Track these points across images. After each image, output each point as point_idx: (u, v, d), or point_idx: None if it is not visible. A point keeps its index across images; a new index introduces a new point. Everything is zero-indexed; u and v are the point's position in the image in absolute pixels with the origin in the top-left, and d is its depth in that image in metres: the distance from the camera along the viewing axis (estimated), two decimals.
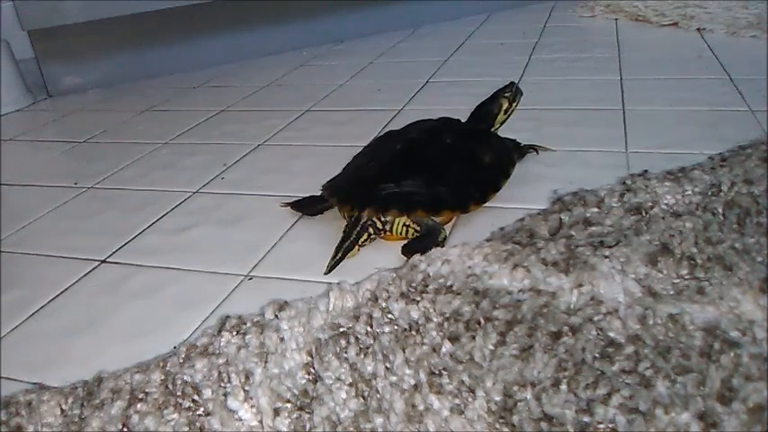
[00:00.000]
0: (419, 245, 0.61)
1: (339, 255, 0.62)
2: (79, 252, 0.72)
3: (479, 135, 0.75)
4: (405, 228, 0.63)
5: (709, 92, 0.98)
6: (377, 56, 1.45)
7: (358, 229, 0.63)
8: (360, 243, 0.64)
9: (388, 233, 0.64)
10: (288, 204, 0.74)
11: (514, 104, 0.78)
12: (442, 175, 0.66)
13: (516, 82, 0.78)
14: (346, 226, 0.64)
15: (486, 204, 0.69)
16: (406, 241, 0.63)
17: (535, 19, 1.61)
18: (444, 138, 0.71)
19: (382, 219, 0.63)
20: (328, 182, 0.72)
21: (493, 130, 0.78)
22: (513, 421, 0.38)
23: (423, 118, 0.80)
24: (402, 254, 0.62)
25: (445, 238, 0.63)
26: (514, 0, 1.75)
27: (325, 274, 0.61)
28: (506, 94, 0.77)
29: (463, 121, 0.78)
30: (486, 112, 0.77)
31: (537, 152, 0.81)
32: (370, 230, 0.64)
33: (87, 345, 0.56)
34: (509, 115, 0.78)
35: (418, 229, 0.63)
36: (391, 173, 0.66)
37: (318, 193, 0.72)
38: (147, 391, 0.45)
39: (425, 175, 0.66)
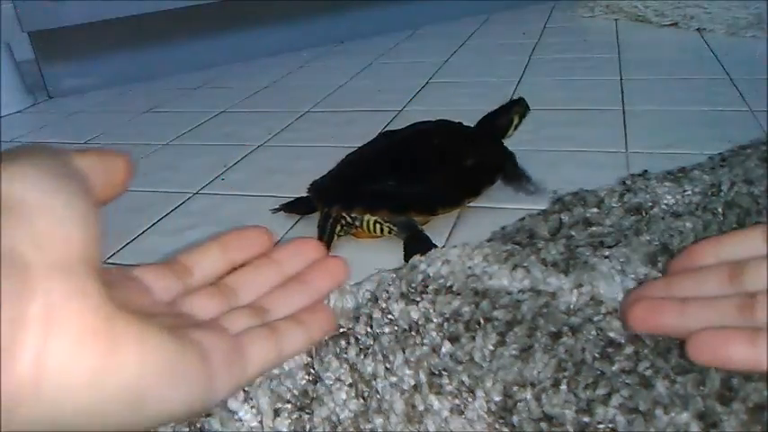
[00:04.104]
0: (419, 247, 0.61)
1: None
2: None
3: (471, 139, 0.74)
4: (376, 225, 0.64)
5: (710, 92, 0.98)
6: (377, 56, 1.45)
7: (329, 223, 0.64)
8: (337, 233, 0.64)
9: (359, 230, 0.64)
10: (279, 209, 0.74)
11: (521, 120, 0.77)
12: (421, 176, 0.66)
13: (524, 99, 0.77)
14: (318, 220, 0.65)
15: (487, 204, 0.69)
16: (380, 238, 0.64)
17: (535, 19, 1.61)
18: (432, 139, 0.71)
19: (351, 215, 0.64)
20: (314, 181, 0.72)
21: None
22: (512, 421, 0.39)
23: (423, 119, 0.80)
24: (404, 261, 0.61)
25: (421, 231, 0.63)
26: (514, 0, 1.75)
27: None
28: (517, 109, 0.76)
29: (465, 123, 0.78)
30: (498, 123, 0.76)
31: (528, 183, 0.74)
32: (342, 223, 0.64)
33: None
34: (515, 129, 0.77)
35: (393, 227, 0.63)
36: (369, 172, 0.67)
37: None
38: None
39: (401, 175, 0.66)
